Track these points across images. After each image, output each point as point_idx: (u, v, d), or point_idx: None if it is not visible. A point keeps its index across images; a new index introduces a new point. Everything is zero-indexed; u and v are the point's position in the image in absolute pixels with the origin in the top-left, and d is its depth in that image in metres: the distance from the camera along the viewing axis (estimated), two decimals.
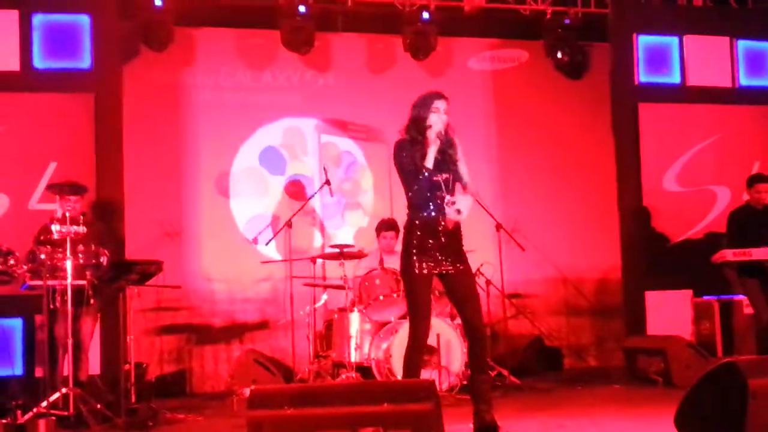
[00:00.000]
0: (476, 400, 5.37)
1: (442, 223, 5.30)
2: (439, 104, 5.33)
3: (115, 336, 7.02)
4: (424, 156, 5.26)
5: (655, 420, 5.57)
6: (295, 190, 9.28)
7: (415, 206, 5.37)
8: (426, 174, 5.23)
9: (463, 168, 5.40)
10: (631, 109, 9.40)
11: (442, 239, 5.32)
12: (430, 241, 5.30)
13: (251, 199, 9.20)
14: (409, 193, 5.37)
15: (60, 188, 6.81)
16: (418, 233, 5.31)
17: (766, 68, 9.81)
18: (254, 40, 9.33)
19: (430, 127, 5.29)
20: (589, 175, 9.77)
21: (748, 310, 8.12)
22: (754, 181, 7.88)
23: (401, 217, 5.60)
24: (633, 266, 9.28)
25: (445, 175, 5.32)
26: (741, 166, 9.28)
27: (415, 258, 5.29)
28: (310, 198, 8.66)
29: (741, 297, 8.34)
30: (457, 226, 5.38)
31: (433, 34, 9.19)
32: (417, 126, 5.34)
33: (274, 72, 9.37)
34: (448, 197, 5.26)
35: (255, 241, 8.67)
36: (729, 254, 7.61)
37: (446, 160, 5.36)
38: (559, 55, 9.56)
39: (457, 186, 5.37)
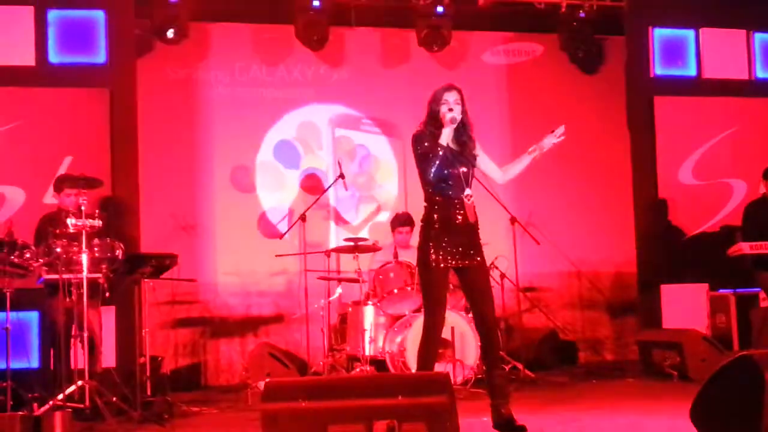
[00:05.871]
0: (493, 394, 5.35)
1: (459, 217, 5.29)
2: (448, 96, 5.32)
3: (130, 329, 7.03)
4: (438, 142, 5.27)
5: (671, 414, 5.54)
6: (311, 184, 9.29)
7: (432, 193, 5.33)
8: (441, 152, 5.21)
9: (486, 160, 5.52)
10: (647, 102, 9.36)
11: (460, 233, 5.31)
12: (448, 234, 5.28)
13: (266, 193, 9.21)
14: (427, 181, 5.30)
15: (76, 181, 6.78)
16: (436, 226, 5.29)
17: None
18: (269, 34, 9.34)
19: (443, 119, 5.29)
20: (605, 168, 9.73)
21: (765, 303, 8.09)
22: None
23: (416, 212, 5.59)
24: (648, 259, 9.25)
25: (463, 169, 5.31)
26: (757, 158, 9.18)
27: (432, 251, 5.27)
28: (324, 192, 8.66)
29: (757, 290, 8.30)
30: (475, 220, 5.37)
31: (447, 27, 9.16)
32: (433, 120, 5.35)
33: (289, 66, 9.37)
34: (468, 191, 5.28)
35: (281, 235, 8.54)
36: (745, 247, 7.58)
37: (465, 153, 5.35)
38: (575, 50, 9.53)
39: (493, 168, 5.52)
